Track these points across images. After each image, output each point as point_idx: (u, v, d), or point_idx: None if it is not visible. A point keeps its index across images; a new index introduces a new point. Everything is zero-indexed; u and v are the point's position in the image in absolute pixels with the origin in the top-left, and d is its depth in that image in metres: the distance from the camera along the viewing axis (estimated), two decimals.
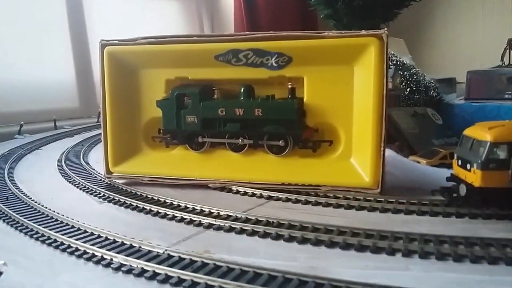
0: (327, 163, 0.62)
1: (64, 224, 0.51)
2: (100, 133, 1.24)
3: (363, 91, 0.58)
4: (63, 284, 0.38)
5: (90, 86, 1.86)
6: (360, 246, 0.43)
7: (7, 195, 0.64)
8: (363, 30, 0.58)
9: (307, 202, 0.57)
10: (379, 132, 0.56)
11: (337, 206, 0.56)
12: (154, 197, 0.61)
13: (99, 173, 0.77)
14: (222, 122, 0.65)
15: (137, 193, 0.64)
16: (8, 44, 1.55)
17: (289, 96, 0.62)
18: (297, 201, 0.58)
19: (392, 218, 0.51)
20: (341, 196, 0.58)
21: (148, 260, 0.40)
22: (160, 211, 0.56)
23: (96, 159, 0.91)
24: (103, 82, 0.68)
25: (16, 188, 0.68)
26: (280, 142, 0.63)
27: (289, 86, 0.62)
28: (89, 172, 0.78)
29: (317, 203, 0.57)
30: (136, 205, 0.58)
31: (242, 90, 0.63)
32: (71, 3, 1.80)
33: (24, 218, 0.53)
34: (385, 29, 0.56)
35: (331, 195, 0.59)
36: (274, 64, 0.61)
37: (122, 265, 0.40)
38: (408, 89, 0.89)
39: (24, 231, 0.50)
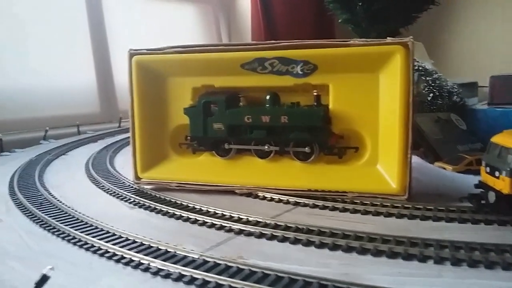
0: (353, 169, 0.63)
1: (99, 229, 0.53)
2: (124, 138, 1.27)
3: (389, 98, 0.59)
4: (105, 287, 0.39)
5: (111, 91, 1.89)
6: (391, 253, 0.43)
7: (40, 201, 0.66)
8: (389, 38, 0.59)
9: (334, 209, 0.58)
10: (406, 138, 0.57)
11: (365, 213, 0.56)
12: (183, 203, 0.62)
13: (127, 178, 0.78)
14: (248, 129, 0.66)
15: (166, 198, 0.65)
16: (32, 51, 1.58)
17: (315, 103, 0.63)
18: (324, 207, 0.59)
19: (421, 224, 0.52)
20: (368, 202, 0.59)
21: (184, 265, 0.42)
22: (190, 216, 0.57)
23: (122, 164, 0.93)
24: (132, 90, 0.69)
25: (48, 194, 0.70)
26: (306, 148, 0.63)
27: (315, 94, 0.63)
28: (117, 178, 0.80)
29: (344, 210, 0.58)
30: (167, 210, 0.60)
31: (268, 98, 0.65)
32: (92, 10, 1.83)
33: (61, 224, 0.55)
34: (411, 37, 0.57)
35: (358, 201, 0.60)
36: (300, 72, 0.62)
37: (160, 270, 0.42)
38: (431, 95, 0.89)
39: (61, 236, 0.52)
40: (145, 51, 0.68)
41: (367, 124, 0.62)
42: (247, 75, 0.64)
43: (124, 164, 0.92)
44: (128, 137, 1.28)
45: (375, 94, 0.61)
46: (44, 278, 0.35)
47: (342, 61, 0.61)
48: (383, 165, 0.61)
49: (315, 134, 0.63)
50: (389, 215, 0.55)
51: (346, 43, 0.60)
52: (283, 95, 0.66)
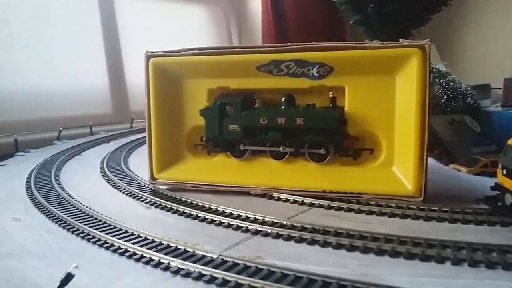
0: (368, 171, 0.63)
1: (118, 228, 0.54)
2: (136, 139, 1.29)
3: (405, 100, 0.59)
4: (127, 286, 0.40)
5: (123, 93, 1.91)
6: (408, 254, 0.44)
7: (58, 200, 0.67)
8: (404, 40, 0.59)
9: (349, 210, 0.59)
10: (422, 140, 0.57)
11: (380, 214, 0.57)
12: (199, 203, 0.63)
13: (142, 178, 0.79)
14: (263, 130, 0.66)
15: (182, 199, 0.66)
16: (47, 53, 1.60)
17: (330, 105, 0.63)
18: (339, 209, 0.59)
19: (437, 226, 0.52)
20: (384, 204, 0.59)
21: (204, 265, 0.42)
22: (207, 217, 0.58)
23: (136, 165, 0.93)
24: (148, 92, 0.70)
25: (66, 193, 0.71)
26: (321, 150, 0.64)
27: (330, 96, 0.63)
28: (132, 178, 0.81)
29: (360, 211, 0.58)
30: (183, 211, 0.61)
31: (283, 99, 0.65)
32: (105, 14, 1.85)
33: (80, 223, 0.56)
34: (428, 39, 0.57)
35: (373, 203, 0.60)
36: (316, 74, 0.63)
37: (180, 269, 0.42)
38: (445, 97, 0.89)
39: (81, 235, 0.53)
40: (161, 53, 0.69)
41: (383, 126, 0.62)
42: (262, 77, 0.65)
43: (139, 165, 0.93)
44: (141, 138, 1.30)
45: (391, 96, 0.61)
46: (69, 277, 0.35)
47: (359, 63, 0.61)
48: (399, 166, 0.61)
49: (331, 135, 0.63)
50: (404, 216, 0.55)
51: (363, 46, 0.60)
52: (298, 97, 0.66)
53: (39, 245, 0.51)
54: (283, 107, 0.65)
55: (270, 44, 0.64)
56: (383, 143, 0.63)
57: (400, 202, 0.59)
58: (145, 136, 1.31)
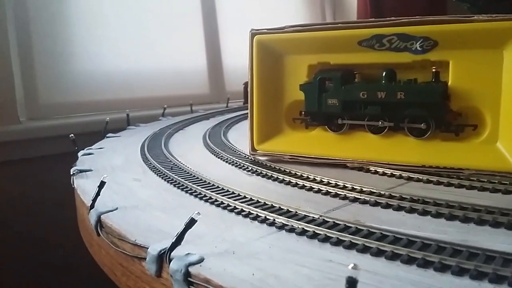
0: (470, 147, 0.62)
1: (225, 190, 0.59)
2: (233, 117, 1.36)
3: None
4: (239, 235, 0.44)
5: (219, 74, 2.01)
6: (510, 224, 0.43)
7: (170, 166, 0.75)
8: None
9: (449, 184, 0.58)
10: None
11: (482, 189, 0.56)
12: (298, 173, 0.66)
13: (242, 150, 0.85)
14: (362, 104, 0.68)
15: (281, 168, 0.70)
16: (154, 38, 1.74)
17: (433, 80, 0.63)
18: (438, 183, 0.59)
19: None
20: (485, 180, 0.58)
21: (306, 223, 0.46)
22: (305, 184, 0.61)
23: (235, 139, 0.99)
24: (252, 68, 0.75)
25: (176, 160, 0.78)
26: (422, 125, 0.64)
27: (433, 70, 0.63)
28: (233, 149, 0.87)
29: (460, 186, 0.57)
30: (283, 178, 0.64)
31: (384, 74, 0.66)
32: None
33: (192, 184, 0.62)
34: None
35: (474, 178, 0.59)
36: (419, 48, 0.62)
37: (284, 225, 0.46)
38: None
39: (194, 194, 0.59)
40: (265, 30, 0.73)
41: (488, 101, 0.60)
42: (363, 52, 0.66)
43: (237, 139, 0.99)
44: (237, 116, 1.37)
45: (498, 70, 0.59)
46: (192, 221, 0.40)
47: (465, 37, 0.60)
48: (504, 142, 0.59)
49: (432, 110, 0.63)
50: (508, 192, 0.54)
51: (470, 19, 0.59)
52: (399, 72, 0.66)
53: (159, 201, 0.58)
54: (383, 81, 0.66)
55: (373, 19, 0.64)
56: (487, 119, 0.61)
57: (503, 179, 0.57)
58: (240, 114, 1.39)
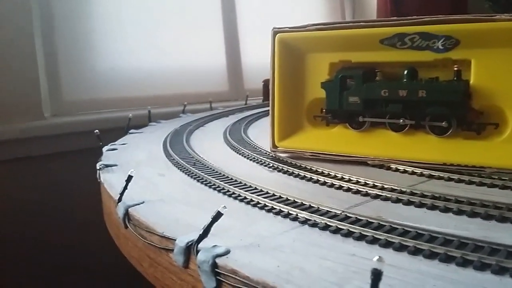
0: (492, 145, 0.62)
1: (247, 186, 0.60)
2: (252, 114, 1.37)
3: None
4: (263, 229, 0.46)
5: (238, 72, 2.02)
6: None
7: (193, 161, 0.76)
8: None
9: (470, 182, 0.59)
10: None
11: (503, 188, 0.56)
12: (319, 169, 0.67)
13: (262, 147, 0.86)
14: (384, 102, 0.68)
15: (302, 165, 0.70)
16: (176, 37, 1.76)
17: (455, 78, 0.63)
18: (460, 181, 0.60)
19: None
20: (507, 178, 0.58)
21: (329, 218, 0.47)
22: (327, 181, 0.62)
23: (255, 136, 1.00)
24: (273, 66, 0.76)
25: (198, 156, 0.80)
26: (443, 123, 0.64)
27: (455, 69, 0.63)
28: (253, 146, 0.88)
29: (481, 184, 0.58)
30: (304, 175, 0.65)
31: (405, 72, 0.66)
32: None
33: (215, 179, 0.63)
34: None
35: (496, 177, 0.59)
36: (441, 47, 0.63)
37: (307, 219, 0.47)
38: None
39: (217, 189, 0.60)
40: (287, 29, 0.74)
41: (510, 100, 0.60)
42: (385, 51, 0.66)
43: (257, 136, 1.00)
44: (256, 113, 1.38)
45: None
46: (219, 214, 0.42)
47: (487, 35, 0.60)
48: None
49: (454, 109, 0.63)
50: None
51: (492, 18, 0.59)
52: (421, 71, 0.66)
53: (183, 195, 0.60)
54: (405, 80, 0.66)
55: (395, 18, 0.65)
56: (509, 117, 0.61)
57: None
58: (259, 112, 1.40)
